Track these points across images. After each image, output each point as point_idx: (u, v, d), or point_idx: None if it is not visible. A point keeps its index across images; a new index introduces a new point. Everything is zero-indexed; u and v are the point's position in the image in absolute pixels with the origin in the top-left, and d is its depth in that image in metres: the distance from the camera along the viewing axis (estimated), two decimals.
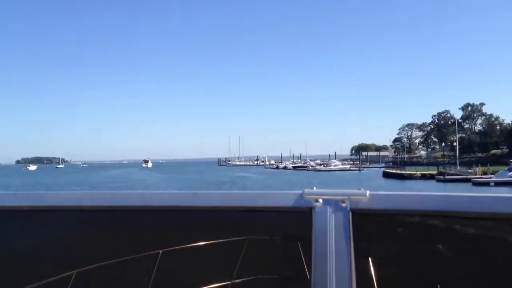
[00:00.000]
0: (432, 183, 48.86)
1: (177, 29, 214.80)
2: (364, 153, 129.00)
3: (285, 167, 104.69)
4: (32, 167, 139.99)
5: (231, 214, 1.27)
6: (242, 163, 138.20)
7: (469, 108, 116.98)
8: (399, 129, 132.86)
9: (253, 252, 1.21)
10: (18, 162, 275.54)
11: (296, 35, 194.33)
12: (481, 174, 48.40)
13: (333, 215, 1.15)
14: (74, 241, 1.37)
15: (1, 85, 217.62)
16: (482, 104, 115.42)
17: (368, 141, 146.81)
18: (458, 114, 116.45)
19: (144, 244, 1.28)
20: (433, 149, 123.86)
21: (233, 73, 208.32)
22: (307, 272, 1.13)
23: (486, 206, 1.08)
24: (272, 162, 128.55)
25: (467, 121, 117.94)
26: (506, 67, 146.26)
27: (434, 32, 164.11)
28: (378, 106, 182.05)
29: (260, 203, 1.24)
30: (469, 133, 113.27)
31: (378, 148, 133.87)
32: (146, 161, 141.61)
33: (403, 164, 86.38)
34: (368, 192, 1.16)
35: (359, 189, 1.18)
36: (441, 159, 74.18)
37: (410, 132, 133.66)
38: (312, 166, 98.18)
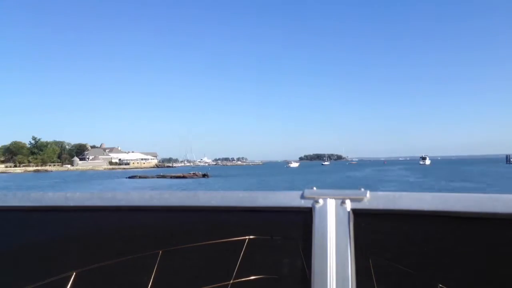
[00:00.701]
0: None
1: None
2: None
3: None
4: (294, 164, 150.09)
5: (231, 214, 1.26)
6: None
7: None
8: None
9: (253, 252, 1.20)
10: (301, 158, 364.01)
11: None
12: None
13: (334, 215, 1.15)
14: (74, 241, 1.35)
15: None
16: None
17: None
18: None
19: (144, 244, 1.27)
20: None
21: None
22: (307, 272, 1.13)
23: (486, 206, 1.07)
24: None
25: None
26: None
27: None
28: None
29: (260, 203, 1.24)
30: None
31: None
32: (424, 158, 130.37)
33: None
34: (368, 192, 1.17)
35: (360, 189, 1.18)
36: None
37: None
38: None
